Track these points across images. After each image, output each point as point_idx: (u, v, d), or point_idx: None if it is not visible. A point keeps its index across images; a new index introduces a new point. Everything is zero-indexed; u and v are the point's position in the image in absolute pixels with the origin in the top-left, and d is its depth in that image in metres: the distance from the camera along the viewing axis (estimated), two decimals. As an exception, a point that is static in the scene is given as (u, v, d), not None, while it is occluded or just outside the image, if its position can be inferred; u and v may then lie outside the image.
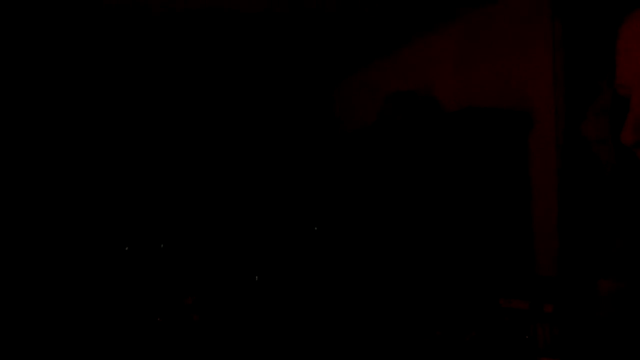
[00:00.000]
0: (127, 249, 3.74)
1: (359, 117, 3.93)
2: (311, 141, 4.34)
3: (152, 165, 3.96)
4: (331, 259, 3.60)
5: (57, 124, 3.66)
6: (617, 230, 2.17)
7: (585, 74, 2.31)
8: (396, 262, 2.91)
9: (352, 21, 3.13)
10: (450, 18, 3.07)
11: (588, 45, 2.30)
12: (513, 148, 2.59)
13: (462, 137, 2.59)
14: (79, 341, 3.33)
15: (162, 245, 3.86)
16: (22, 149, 3.52)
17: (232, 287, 3.83)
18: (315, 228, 3.90)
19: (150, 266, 3.78)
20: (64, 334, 3.33)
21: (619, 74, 0.89)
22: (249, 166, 4.23)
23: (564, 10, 2.40)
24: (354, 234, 3.38)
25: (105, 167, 3.79)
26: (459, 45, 3.11)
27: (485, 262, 2.49)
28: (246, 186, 4.20)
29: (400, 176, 2.91)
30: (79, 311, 3.45)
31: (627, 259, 2.12)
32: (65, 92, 3.70)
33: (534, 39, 2.59)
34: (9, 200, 3.42)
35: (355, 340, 3.08)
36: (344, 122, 4.29)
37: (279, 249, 3.97)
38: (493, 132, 2.55)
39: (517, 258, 2.53)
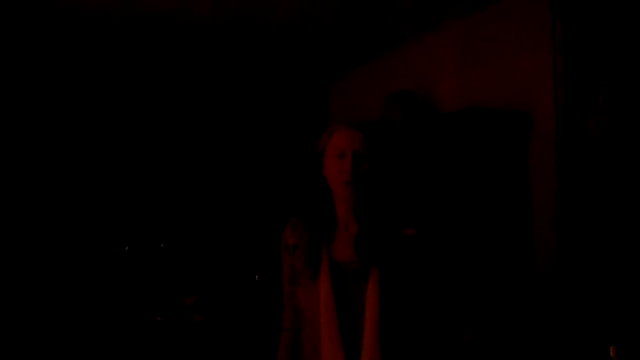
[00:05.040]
0: (127, 249, 3.74)
1: (356, 116, 3.93)
2: (308, 140, 4.34)
3: (152, 165, 3.96)
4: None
5: (58, 124, 3.66)
6: (617, 228, 2.17)
7: (585, 74, 2.31)
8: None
9: (350, 19, 3.13)
10: (451, 18, 3.07)
11: (588, 45, 2.31)
12: (513, 148, 2.60)
13: (462, 137, 2.59)
14: (79, 341, 3.32)
15: (162, 245, 3.86)
16: (23, 150, 3.52)
17: (233, 287, 3.83)
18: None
19: (150, 266, 3.77)
20: (64, 334, 3.33)
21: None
22: (248, 165, 4.23)
23: (564, 11, 2.41)
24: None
25: (105, 167, 3.79)
26: (459, 45, 3.11)
27: (485, 262, 2.49)
28: (245, 185, 4.20)
29: (400, 176, 2.91)
30: (79, 311, 3.45)
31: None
32: (65, 92, 3.70)
33: (534, 39, 2.60)
34: (9, 200, 3.42)
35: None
36: (340, 120, 4.28)
37: (279, 249, 3.96)
38: (493, 132, 2.55)
39: (517, 257, 2.53)
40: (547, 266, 2.47)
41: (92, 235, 3.67)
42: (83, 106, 3.77)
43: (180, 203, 4.01)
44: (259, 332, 3.40)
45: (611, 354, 1.75)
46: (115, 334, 3.38)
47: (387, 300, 1.41)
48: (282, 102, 4.44)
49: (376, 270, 1.42)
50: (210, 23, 3.12)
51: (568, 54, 2.39)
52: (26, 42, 3.39)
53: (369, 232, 1.48)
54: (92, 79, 3.80)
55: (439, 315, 2.46)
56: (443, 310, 2.47)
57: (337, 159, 1.49)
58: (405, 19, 3.09)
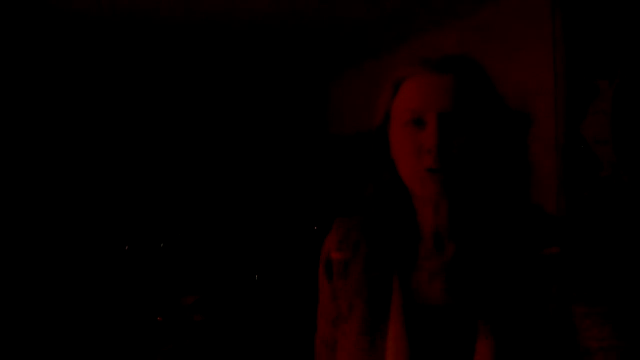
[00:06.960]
0: (127, 248, 3.74)
1: (355, 116, 3.92)
2: (309, 141, 4.34)
3: (152, 164, 3.96)
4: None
5: (58, 124, 3.66)
6: (617, 230, 2.17)
7: (585, 74, 2.31)
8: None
9: (351, 17, 3.12)
10: (450, 17, 3.06)
11: (588, 45, 2.30)
12: (512, 148, 2.59)
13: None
14: (79, 341, 3.33)
15: (162, 245, 3.87)
16: (23, 150, 3.52)
17: (233, 287, 3.83)
18: (316, 228, 3.90)
19: (150, 266, 3.78)
20: (64, 334, 3.33)
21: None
22: (248, 164, 4.23)
23: (564, 10, 2.40)
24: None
25: (105, 167, 3.79)
26: (458, 45, 3.10)
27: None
28: (246, 185, 4.20)
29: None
30: (79, 311, 3.45)
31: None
32: (65, 92, 3.70)
33: (534, 38, 2.59)
34: (8, 200, 3.42)
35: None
36: (339, 120, 4.29)
37: (279, 249, 3.97)
38: (492, 132, 2.55)
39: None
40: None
41: (92, 235, 3.67)
42: (82, 106, 3.77)
43: (181, 203, 4.01)
44: (259, 332, 3.40)
45: None
46: (115, 334, 3.38)
47: None
48: (281, 98, 4.44)
49: (489, 325, 0.78)
50: (203, 20, 3.11)
51: (568, 54, 2.38)
52: (20, 43, 3.39)
53: (478, 256, 0.84)
54: (92, 79, 3.80)
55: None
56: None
57: (412, 129, 0.85)
58: (406, 18, 3.09)
